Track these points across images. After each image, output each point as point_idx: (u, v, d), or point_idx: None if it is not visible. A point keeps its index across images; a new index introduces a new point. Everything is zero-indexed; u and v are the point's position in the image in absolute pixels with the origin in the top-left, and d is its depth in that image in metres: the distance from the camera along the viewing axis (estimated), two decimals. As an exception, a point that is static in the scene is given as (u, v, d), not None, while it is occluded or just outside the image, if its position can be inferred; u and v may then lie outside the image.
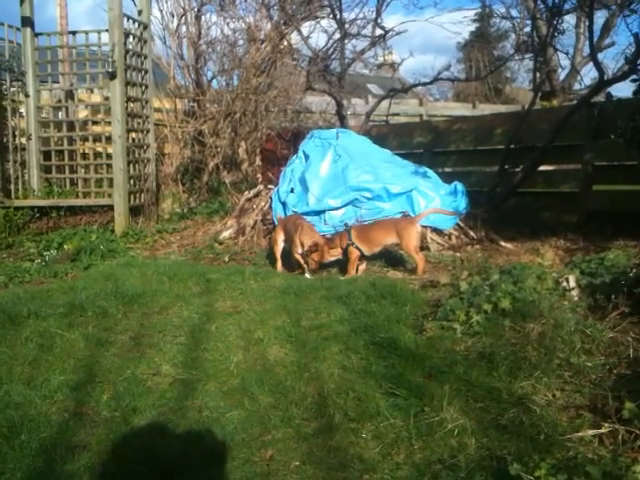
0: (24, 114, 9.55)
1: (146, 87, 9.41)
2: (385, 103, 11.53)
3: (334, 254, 6.15)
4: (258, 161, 11.23)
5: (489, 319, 3.85)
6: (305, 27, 11.17)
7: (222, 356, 3.94)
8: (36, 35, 9.49)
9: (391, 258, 6.52)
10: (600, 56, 9.54)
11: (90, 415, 3.24)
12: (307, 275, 6.02)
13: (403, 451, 2.77)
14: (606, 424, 2.68)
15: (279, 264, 6.45)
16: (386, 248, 6.32)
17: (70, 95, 9.89)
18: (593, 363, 3.28)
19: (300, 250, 6.08)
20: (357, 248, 6.04)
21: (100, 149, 9.70)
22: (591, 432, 2.67)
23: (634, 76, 6.33)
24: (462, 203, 7.55)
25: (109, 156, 9.13)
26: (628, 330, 3.58)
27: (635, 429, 2.58)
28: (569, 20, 14.83)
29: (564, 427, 2.77)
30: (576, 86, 15.01)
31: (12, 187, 9.22)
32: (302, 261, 6.11)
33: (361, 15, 10.86)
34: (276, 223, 7.26)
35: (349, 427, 3.00)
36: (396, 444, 2.82)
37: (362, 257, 6.14)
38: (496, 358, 3.42)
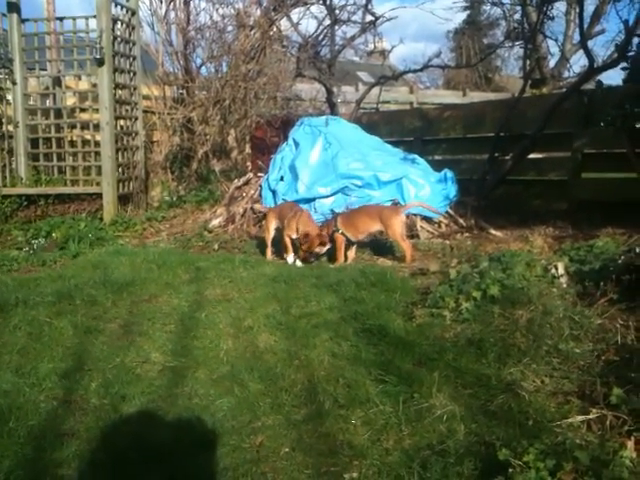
0: (11, 101, 9.46)
1: (134, 74, 9.35)
2: (375, 90, 11.50)
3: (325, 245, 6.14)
4: (248, 149, 11.20)
5: (478, 306, 3.86)
6: (295, 13, 11.13)
7: (212, 344, 3.93)
8: (23, 21, 9.40)
9: (381, 246, 6.52)
10: (590, 43, 9.52)
11: (79, 403, 3.23)
12: (298, 263, 6.01)
13: (392, 437, 2.77)
14: (594, 410, 2.70)
15: (269, 251, 6.43)
16: (373, 235, 6.31)
17: (58, 82, 9.80)
18: (581, 349, 3.29)
19: (294, 235, 6.06)
20: (343, 234, 6.03)
21: (88, 137, 9.63)
22: (579, 418, 2.68)
23: (624, 64, 6.34)
24: (452, 191, 7.57)
25: (97, 144, 9.09)
26: (616, 317, 3.59)
27: (623, 415, 2.60)
28: (559, 7, 14.81)
29: (552, 413, 2.78)
30: (566, 74, 15.02)
31: (-1, 175, 9.15)
32: (289, 246, 6.11)
33: (351, 1, 10.79)
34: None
35: (339, 413, 3.00)
36: (385, 430, 2.83)
37: (350, 243, 6.13)
38: (485, 345, 3.43)
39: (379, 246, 6.52)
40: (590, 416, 2.67)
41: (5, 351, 3.88)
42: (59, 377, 3.50)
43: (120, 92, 9.08)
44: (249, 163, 10.38)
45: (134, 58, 9.33)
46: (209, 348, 3.88)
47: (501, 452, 2.35)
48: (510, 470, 2.25)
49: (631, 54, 6.46)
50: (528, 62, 9.76)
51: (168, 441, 2.79)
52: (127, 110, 9.30)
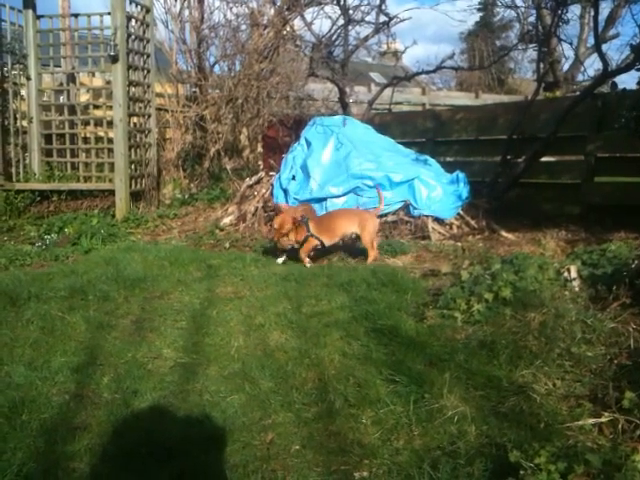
0: (25, 97, 9.52)
1: (148, 71, 9.38)
2: (388, 91, 11.48)
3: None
4: (260, 148, 11.22)
5: (490, 308, 3.86)
6: (308, 13, 11.11)
7: (223, 341, 3.95)
8: (38, 17, 9.46)
9: (394, 247, 6.50)
10: (604, 47, 9.48)
11: (91, 397, 3.24)
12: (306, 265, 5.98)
13: (403, 437, 2.77)
14: (606, 413, 2.69)
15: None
16: (345, 238, 6.26)
17: (72, 78, 9.85)
18: (594, 353, 3.28)
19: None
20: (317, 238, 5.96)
21: (101, 133, 9.69)
22: (591, 421, 2.67)
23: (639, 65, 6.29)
24: (464, 192, 7.55)
25: (110, 140, 9.14)
26: (629, 321, 3.58)
27: (635, 419, 2.59)
28: (574, 10, 14.74)
29: (564, 416, 2.78)
30: (579, 77, 14.96)
31: (13, 170, 9.22)
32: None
33: (365, 1, 10.78)
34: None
35: (349, 412, 3.00)
36: (396, 430, 2.82)
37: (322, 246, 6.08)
38: (497, 347, 3.43)
39: (390, 247, 6.50)
40: (602, 420, 2.66)
41: (18, 345, 3.91)
42: (71, 371, 3.52)
43: (134, 89, 9.12)
44: (261, 162, 10.41)
45: (148, 56, 9.37)
46: (220, 345, 3.89)
47: (512, 454, 2.35)
48: (521, 472, 2.25)
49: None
50: (542, 65, 9.70)
51: (179, 437, 2.80)
52: (140, 107, 9.34)
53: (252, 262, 5.87)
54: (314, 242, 5.96)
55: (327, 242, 6.05)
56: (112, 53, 8.42)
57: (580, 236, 6.44)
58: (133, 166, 9.11)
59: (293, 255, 6.07)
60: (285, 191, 7.68)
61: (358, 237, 6.12)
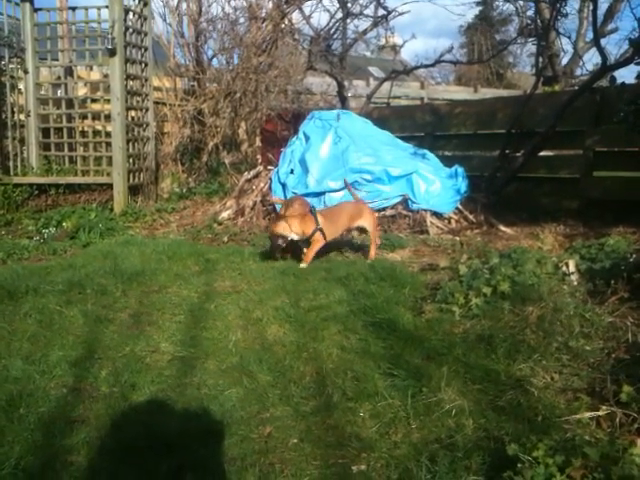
0: (23, 91, 9.49)
1: (146, 65, 9.35)
2: (386, 85, 11.48)
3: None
4: (258, 142, 11.19)
5: (488, 302, 3.86)
6: (307, 6, 11.15)
7: (221, 335, 3.94)
8: (35, 11, 9.42)
9: (392, 241, 6.50)
10: (603, 41, 9.46)
11: (89, 390, 3.24)
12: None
13: (401, 430, 2.77)
14: (604, 407, 2.69)
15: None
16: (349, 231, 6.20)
17: (69, 72, 9.81)
18: (592, 347, 3.29)
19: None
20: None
21: (99, 127, 9.67)
22: (589, 415, 2.68)
23: (638, 59, 6.28)
24: (462, 186, 7.55)
25: (108, 134, 9.11)
26: (627, 315, 3.59)
27: (632, 412, 2.60)
28: (572, 4, 14.75)
29: (562, 409, 2.78)
30: (578, 71, 14.95)
31: (11, 164, 9.18)
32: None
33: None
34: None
35: (347, 406, 3.00)
36: (394, 424, 2.82)
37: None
38: (495, 341, 3.43)
39: (389, 241, 6.50)
40: (600, 413, 2.67)
41: (15, 338, 3.90)
42: (69, 365, 3.51)
43: (131, 83, 9.09)
44: (259, 156, 10.36)
45: (145, 49, 9.34)
46: (218, 339, 3.88)
47: (510, 447, 2.35)
48: (519, 465, 2.24)
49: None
50: (541, 59, 9.70)
51: (177, 430, 2.80)
52: (138, 101, 9.31)
53: (250, 256, 5.86)
54: (321, 241, 5.68)
55: (331, 236, 5.86)
56: (110, 46, 8.39)
57: (578, 230, 6.45)
58: (131, 160, 9.09)
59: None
60: (283, 185, 7.68)
61: (362, 230, 6.07)
